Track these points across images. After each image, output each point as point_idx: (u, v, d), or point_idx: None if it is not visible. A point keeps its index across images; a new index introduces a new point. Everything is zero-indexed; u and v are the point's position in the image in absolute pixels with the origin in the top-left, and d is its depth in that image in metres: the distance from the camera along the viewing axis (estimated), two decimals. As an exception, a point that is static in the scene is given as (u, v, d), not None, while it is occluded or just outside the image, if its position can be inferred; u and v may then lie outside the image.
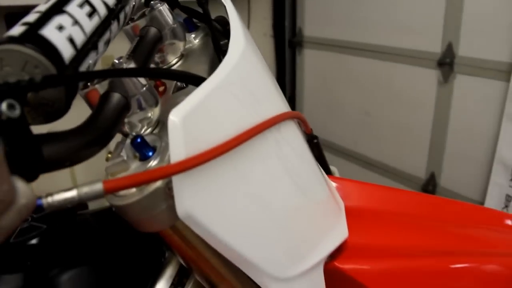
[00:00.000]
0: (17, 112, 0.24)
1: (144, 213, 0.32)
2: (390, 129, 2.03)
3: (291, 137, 0.44)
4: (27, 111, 0.27)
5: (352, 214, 0.56)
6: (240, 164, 0.35)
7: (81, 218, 0.44)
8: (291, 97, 2.65)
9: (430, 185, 1.90)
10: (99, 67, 0.37)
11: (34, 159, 0.24)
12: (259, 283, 0.39)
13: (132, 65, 0.34)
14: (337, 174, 0.63)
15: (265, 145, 0.38)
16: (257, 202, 0.37)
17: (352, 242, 0.53)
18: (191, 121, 0.30)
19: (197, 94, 0.31)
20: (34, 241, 0.37)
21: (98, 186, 0.24)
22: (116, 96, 0.34)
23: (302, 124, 0.51)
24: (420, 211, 0.66)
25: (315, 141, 0.55)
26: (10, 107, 0.24)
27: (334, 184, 0.58)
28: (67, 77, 0.27)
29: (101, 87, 0.35)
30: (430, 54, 1.76)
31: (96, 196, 0.24)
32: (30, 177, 0.23)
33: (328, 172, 0.59)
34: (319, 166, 0.54)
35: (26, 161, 0.23)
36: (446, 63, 1.71)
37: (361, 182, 0.61)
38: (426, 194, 0.71)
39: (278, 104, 0.42)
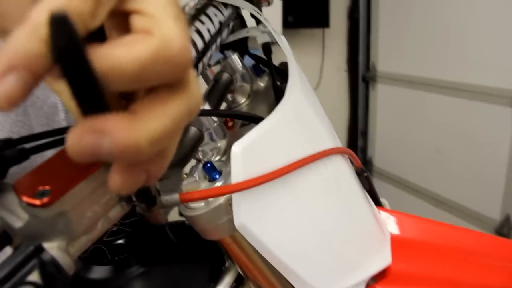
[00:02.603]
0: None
1: (209, 223, 0.41)
2: (463, 167, 1.99)
3: (338, 169, 0.51)
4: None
5: (399, 244, 0.61)
6: (290, 189, 0.42)
7: (160, 227, 0.53)
8: (364, 132, 2.67)
9: (504, 228, 1.83)
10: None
11: None
12: (303, 294, 0.45)
13: (206, 106, 0.43)
14: (387, 206, 0.68)
15: (312, 175, 0.45)
16: (304, 221, 0.44)
17: (396, 270, 0.58)
18: (249, 152, 0.38)
19: (255, 131, 0.39)
20: (121, 241, 0.47)
21: (176, 196, 0.32)
22: (193, 130, 0.43)
23: (353, 159, 0.57)
24: (476, 249, 0.68)
25: (365, 174, 0.61)
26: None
27: (383, 215, 0.63)
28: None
29: (182, 122, 0.44)
30: (504, 91, 1.73)
31: (173, 204, 0.33)
32: None
33: (378, 203, 0.65)
34: (368, 196, 0.60)
35: None
36: (522, 101, 1.68)
37: (410, 215, 0.65)
38: (487, 234, 0.72)
39: (326, 141, 0.49)
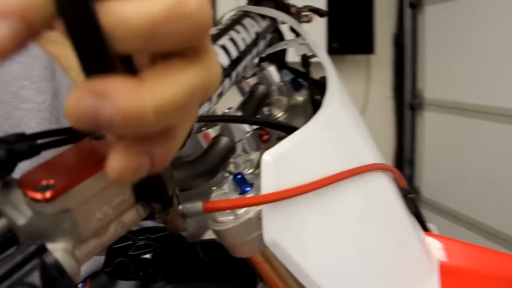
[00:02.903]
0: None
1: (238, 239, 0.38)
2: (518, 198, 1.87)
3: (381, 188, 0.48)
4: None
5: (448, 273, 0.56)
6: (326, 204, 0.39)
7: (190, 244, 0.51)
8: (410, 160, 2.58)
9: None
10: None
11: None
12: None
13: (239, 114, 0.41)
14: (435, 231, 0.63)
15: (351, 192, 0.42)
16: (342, 241, 0.41)
17: (446, 301, 0.53)
18: (282, 162, 0.35)
19: (289, 140, 0.37)
20: (148, 256, 0.45)
21: (199, 205, 0.30)
22: (224, 140, 0.41)
23: (397, 178, 0.53)
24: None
25: (411, 196, 0.56)
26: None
27: (430, 240, 0.58)
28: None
29: (213, 131, 0.42)
30: None
31: (196, 213, 0.30)
32: None
33: (425, 228, 0.60)
34: (414, 220, 0.55)
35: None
36: None
37: (460, 242, 0.60)
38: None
39: (368, 156, 0.46)
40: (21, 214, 0.22)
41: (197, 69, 0.18)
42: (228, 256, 0.50)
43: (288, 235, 0.36)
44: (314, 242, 0.38)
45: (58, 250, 0.22)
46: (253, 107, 0.48)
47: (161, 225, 0.52)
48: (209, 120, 0.39)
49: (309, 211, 0.38)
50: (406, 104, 2.52)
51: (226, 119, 0.38)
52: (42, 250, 0.22)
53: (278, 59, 0.57)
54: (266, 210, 0.35)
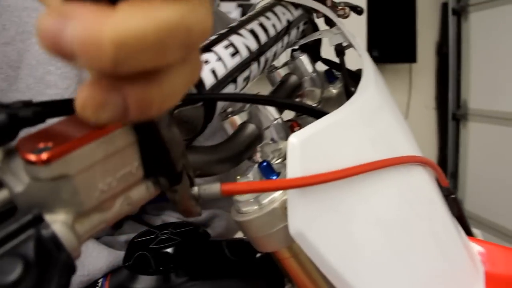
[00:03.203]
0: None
1: (262, 231, 0.35)
2: None
3: (420, 183, 0.44)
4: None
5: (495, 282, 0.51)
6: (358, 195, 0.36)
7: (216, 242, 0.48)
8: (454, 173, 2.48)
9: None
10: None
11: None
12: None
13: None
14: (480, 237, 0.58)
15: (386, 184, 0.39)
16: (373, 236, 0.37)
17: (492, 312, 0.48)
18: (309, 145, 0.33)
19: (318, 123, 0.34)
20: (169, 250, 0.43)
21: (216, 187, 0.28)
22: (250, 127, 0.39)
23: (438, 176, 0.49)
24: None
25: (453, 196, 0.52)
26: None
27: (475, 247, 0.54)
28: (200, 95, 0.33)
29: (240, 118, 0.40)
30: None
31: (212, 195, 0.28)
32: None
33: (469, 233, 0.55)
34: (455, 223, 0.51)
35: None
36: None
37: (509, 248, 0.55)
38: None
39: (405, 148, 0.42)
40: (19, 181, 0.20)
41: (179, 6, 0.16)
42: (255, 255, 0.47)
43: (316, 226, 0.33)
44: (345, 236, 0.35)
45: (56, 222, 0.20)
46: (283, 97, 0.46)
47: (183, 218, 0.50)
48: (231, 97, 0.37)
49: (340, 201, 0.35)
50: (450, 114, 2.43)
51: (249, 98, 0.36)
52: (38, 220, 0.20)
53: (312, 50, 0.54)
54: (292, 198, 0.32)
